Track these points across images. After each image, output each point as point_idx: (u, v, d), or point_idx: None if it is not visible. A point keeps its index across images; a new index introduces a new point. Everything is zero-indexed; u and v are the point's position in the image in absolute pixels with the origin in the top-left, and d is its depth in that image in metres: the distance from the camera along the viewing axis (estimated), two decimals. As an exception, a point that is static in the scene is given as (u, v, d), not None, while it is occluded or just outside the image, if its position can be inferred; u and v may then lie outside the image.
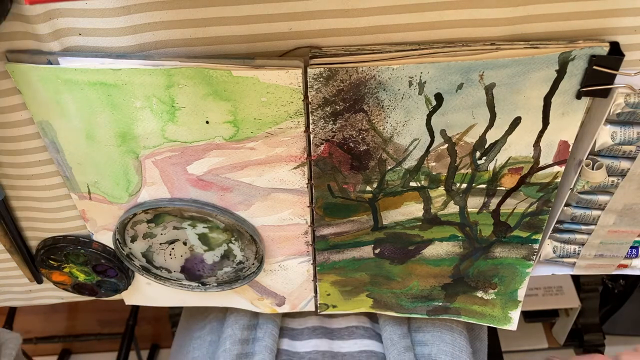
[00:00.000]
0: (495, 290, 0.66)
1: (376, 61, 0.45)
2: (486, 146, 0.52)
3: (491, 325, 0.70)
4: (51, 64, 0.46)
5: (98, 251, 0.63)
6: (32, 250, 0.66)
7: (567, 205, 0.58)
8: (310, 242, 0.61)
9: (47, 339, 1.37)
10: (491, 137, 0.51)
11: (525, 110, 0.49)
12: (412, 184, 0.55)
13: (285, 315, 0.77)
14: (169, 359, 0.83)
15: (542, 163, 0.53)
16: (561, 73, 0.46)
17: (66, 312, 1.43)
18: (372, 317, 0.77)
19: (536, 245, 0.61)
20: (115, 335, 1.29)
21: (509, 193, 0.56)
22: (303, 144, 0.51)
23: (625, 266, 0.65)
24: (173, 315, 1.18)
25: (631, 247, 0.63)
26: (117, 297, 0.71)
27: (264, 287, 0.68)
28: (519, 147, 0.52)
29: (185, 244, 0.62)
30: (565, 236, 0.62)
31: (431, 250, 0.62)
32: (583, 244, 0.62)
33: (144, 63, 0.45)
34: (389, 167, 0.53)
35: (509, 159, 0.53)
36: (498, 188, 0.55)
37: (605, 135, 0.51)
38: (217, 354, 0.71)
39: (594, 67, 0.45)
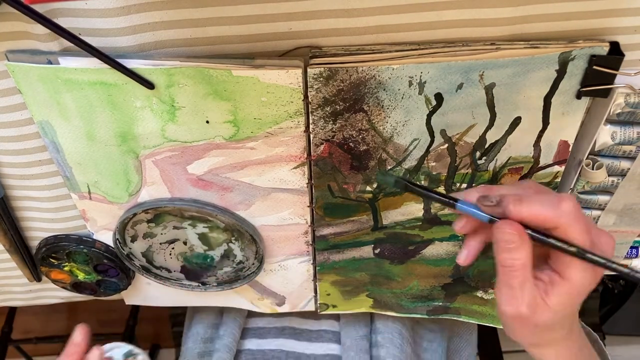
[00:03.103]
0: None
1: (376, 61, 0.45)
2: (486, 146, 0.52)
3: (491, 325, 0.70)
4: (51, 63, 0.46)
5: (101, 251, 0.63)
6: (31, 250, 0.66)
7: (567, 205, 0.58)
8: (310, 242, 0.61)
9: (47, 339, 1.37)
10: (491, 137, 0.51)
11: (525, 110, 0.49)
12: (412, 183, 0.55)
13: (254, 314, 0.77)
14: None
15: (542, 163, 0.53)
16: (561, 73, 0.46)
17: (66, 312, 1.43)
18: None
19: (536, 245, 0.60)
20: (115, 335, 1.29)
21: (509, 193, 0.56)
22: (303, 144, 0.51)
23: (625, 266, 0.65)
24: (173, 316, 1.18)
25: (631, 247, 0.63)
26: (117, 297, 0.71)
27: (264, 287, 0.68)
28: (519, 147, 0.52)
29: (185, 243, 0.62)
30: (565, 236, 0.61)
31: (431, 250, 0.62)
32: (583, 244, 0.62)
33: (144, 63, 0.45)
34: (389, 167, 0.53)
35: (509, 158, 0.53)
36: (498, 188, 0.55)
37: (605, 135, 0.51)
38: (182, 352, 0.73)
39: (594, 67, 0.45)
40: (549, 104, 0.48)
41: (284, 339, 0.75)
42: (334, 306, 0.70)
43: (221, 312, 0.77)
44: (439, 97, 0.48)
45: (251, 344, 0.74)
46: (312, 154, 0.52)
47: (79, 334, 0.56)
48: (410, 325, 0.74)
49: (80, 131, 0.50)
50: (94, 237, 0.62)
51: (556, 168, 0.53)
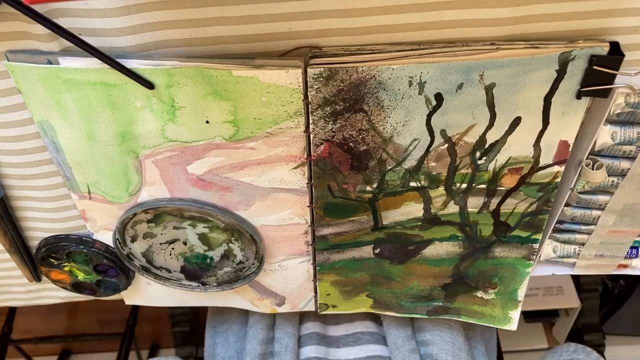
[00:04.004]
0: (495, 290, 0.66)
1: (376, 61, 0.45)
2: (486, 146, 0.52)
3: (491, 325, 0.70)
4: (51, 63, 0.46)
5: (101, 251, 0.63)
6: (31, 250, 0.66)
7: (567, 205, 0.58)
8: (310, 242, 0.61)
9: (47, 339, 1.37)
10: (491, 137, 0.51)
11: (525, 110, 0.49)
12: (412, 184, 0.55)
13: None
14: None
15: (542, 163, 0.53)
16: (561, 73, 0.46)
17: (66, 312, 1.43)
18: (377, 321, 0.77)
19: (536, 245, 0.61)
20: (115, 335, 1.29)
21: (509, 193, 0.56)
22: (303, 144, 0.51)
23: (625, 266, 0.65)
24: (173, 315, 1.18)
25: (631, 247, 0.63)
26: (117, 297, 0.71)
27: (264, 287, 0.68)
28: (519, 147, 0.52)
29: (185, 243, 0.62)
30: (565, 236, 0.62)
31: (431, 250, 0.62)
32: (583, 244, 0.62)
33: (144, 63, 0.45)
34: (389, 167, 0.53)
35: (509, 159, 0.53)
36: (498, 188, 0.55)
37: (605, 135, 0.51)
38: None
39: (594, 67, 0.45)
40: (549, 104, 0.48)
41: (325, 347, 0.74)
42: (334, 306, 0.70)
43: (272, 321, 0.75)
44: (439, 97, 0.48)
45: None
46: (312, 154, 0.52)
47: None
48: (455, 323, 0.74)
49: (80, 131, 0.50)
50: (94, 237, 0.62)
51: (556, 168, 0.53)
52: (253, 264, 0.63)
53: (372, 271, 0.65)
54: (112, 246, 0.62)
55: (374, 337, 0.74)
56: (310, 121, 0.49)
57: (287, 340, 0.72)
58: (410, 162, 0.53)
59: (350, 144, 0.51)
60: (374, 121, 0.49)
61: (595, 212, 0.58)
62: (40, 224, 0.62)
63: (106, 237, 0.62)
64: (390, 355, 0.71)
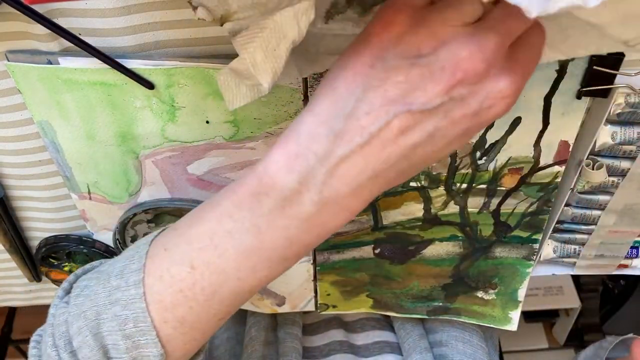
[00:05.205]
0: (496, 291, 0.66)
1: (376, 61, 0.45)
2: (486, 146, 0.52)
3: (491, 325, 0.70)
4: (51, 63, 0.46)
5: (101, 251, 0.63)
6: (31, 250, 0.66)
7: (567, 205, 0.58)
8: (310, 242, 0.61)
9: (47, 339, 1.37)
10: (491, 137, 0.51)
11: (525, 110, 0.49)
12: (412, 184, 0.55)
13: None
14: None
15: (542, 163, 0.53)
16: (561, 73, 0.46)
17: (66, 312, 1.43)
18: (386, 317, 0.76)
19: (536, 245, 0.60)
20: (116, 335, 1.29)
21: (509, 193, 0.56)
22: (303, 144, 0.51)
23: (625, 266, 0.65)
24: (173, 315, 1.18)
25: (631, 247, 0.63)
26: (117, 297, 0.71)
27: (264, 287, 0.68)
28: (519, 147, 0.51)
29: (185, 244, 0.62)
30: (566, 236, 0.61)
31: (431, 251, 0.62)
32: (583, 244, 0.62)
33: (144, 63, 0.45)
34: (389, 167, 0.53)
35: (509, 159, 0.53)
36: (498, 188, 0.55)
37: (605, 135, 0.50)
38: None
39: (594, 67, 0.45)
40: (549, 104, 0.48)
41: (334, 330, 0.73)
42: (334, 306, 0.70)
43: (274, 325, 0.74)
44: (439, 97, 0.47)
45: (303, 342, 0.73)
46: (312, 154, 0.52)
47: None
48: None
49: (80, 131, 0.50)
50: (94, 237, 0.62)
51: (556, 168, 0.53)
52: (253, 264, 0.63)
53: (372, 271, 0.65)
54: (112, 246, 0.62)
55: (379, 324, 0.73)
56: (310, 121, 0.49)
57: (290, 327, 0.72)
58: (410, 162, 0.53)
59: (350, 144, 0.51)
60: (374, 121, 0.49)
61: (596, 212, 0.58)
62: (40, 224, 0.62)
63: (106, 237, 0.62)
64: (401, 348, 0.70)
